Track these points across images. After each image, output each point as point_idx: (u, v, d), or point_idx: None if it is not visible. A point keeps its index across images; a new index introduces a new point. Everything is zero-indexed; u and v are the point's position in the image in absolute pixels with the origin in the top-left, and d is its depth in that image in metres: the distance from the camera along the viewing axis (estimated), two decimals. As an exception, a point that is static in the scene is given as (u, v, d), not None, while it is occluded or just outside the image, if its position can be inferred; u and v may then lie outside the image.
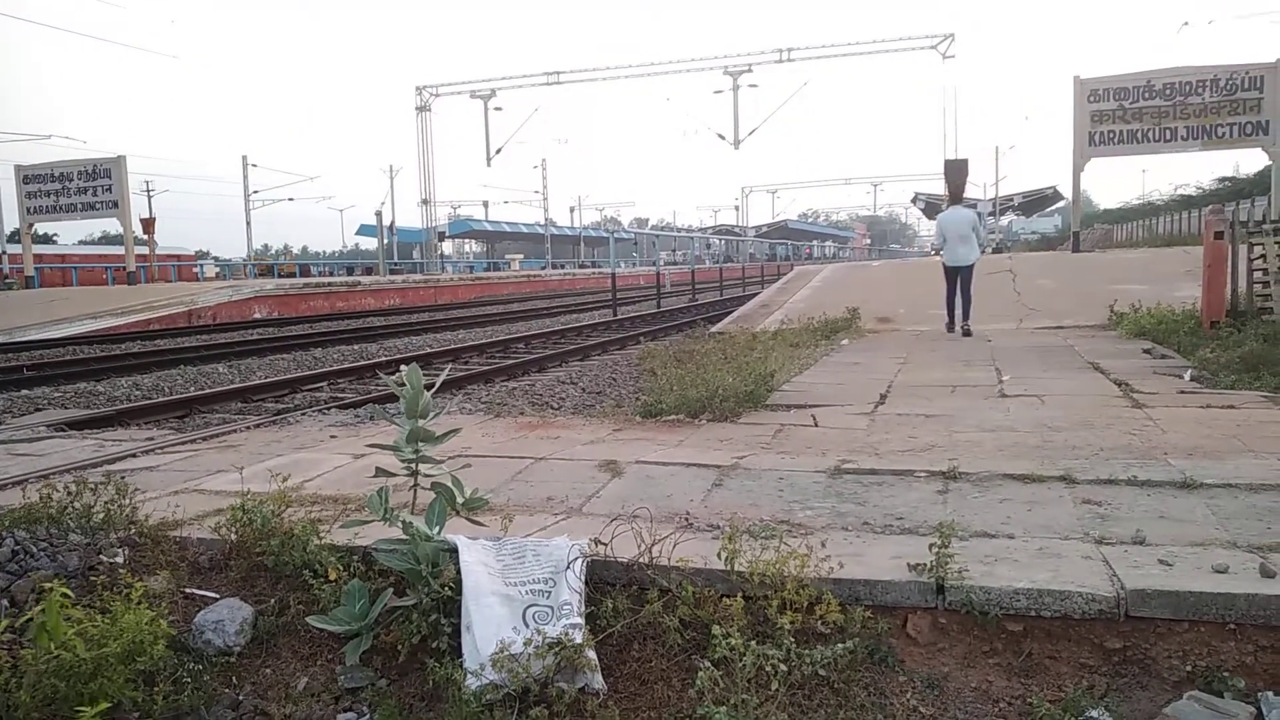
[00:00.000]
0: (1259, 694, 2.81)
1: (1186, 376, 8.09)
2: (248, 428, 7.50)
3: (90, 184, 31.47)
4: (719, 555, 3.35)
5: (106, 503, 4.15)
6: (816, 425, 6.42)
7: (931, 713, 2.95)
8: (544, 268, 65.22)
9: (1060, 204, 67.01)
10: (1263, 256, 10.59)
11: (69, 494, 4.17)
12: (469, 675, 3.07)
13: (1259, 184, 32.97)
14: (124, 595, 3.29)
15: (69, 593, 3.24)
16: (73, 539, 3.97)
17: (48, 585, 3.28)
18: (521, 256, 76.38)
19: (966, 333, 12.96)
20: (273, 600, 3.64)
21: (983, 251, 13.38)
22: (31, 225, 33.65)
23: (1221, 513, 3.94)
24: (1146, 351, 10.05)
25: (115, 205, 31.65)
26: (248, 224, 59.17)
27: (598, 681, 3.10)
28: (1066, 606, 3.06)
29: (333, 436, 6.79)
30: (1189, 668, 2.95)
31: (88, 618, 3.20)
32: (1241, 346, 8.70)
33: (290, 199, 65.00)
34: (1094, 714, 2.81)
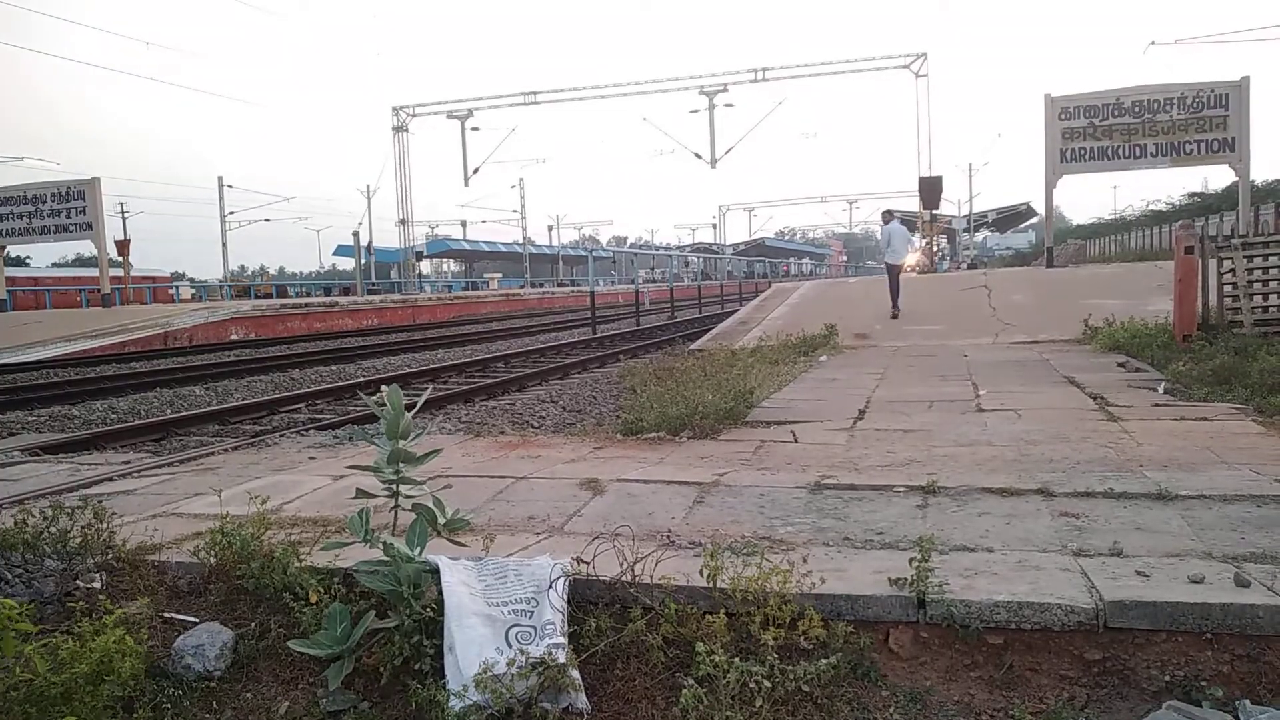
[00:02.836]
0: (1236, 702, 2.84)
1: (1160, 389, 8.20)
2: (225, 450, 7.44)
3: (64, 206, 31.17)
4: (701, 572, 3.35)
5: (83, 527, 4.10)
6: (796, 441, 6.44)
7: (914, 727, 2.96)
8: (522, 287, 65.19)
9: (1034, 220, 67.78)
10: (1232, 271, 10.75)
11: (45, 519, 4.12)
12: (452, 697, 3.05)
13: (1227, 199, 33.51)
14: (100, 620, 3.26)
15: (9, 602, 3.20)
16: (49, 564, 3.93)
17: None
18: (500, 276, 76.34)
19: (895, 314, 16.89)
20: (253, 624, 3.61)
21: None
22: (3, 248, 33.25)
23: (1197, 524, 3.99)
24: (1121, 365, 10.17)
25: (89, 227, 31.34)
26: (224, 245, 58.76)
27: (581, 701, 3.10)
28: (1046, 619, 3.09)
29: (311, 458, 6.75)
30: (1167, 677, 2.98)
31: (61, 642, 3.16)
32: (1213, 360, 8.83)
33: (267, 220, 64.60)
34: (1075, 725, 2.83)
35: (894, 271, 17.67)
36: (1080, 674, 3.05)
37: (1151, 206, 52.75)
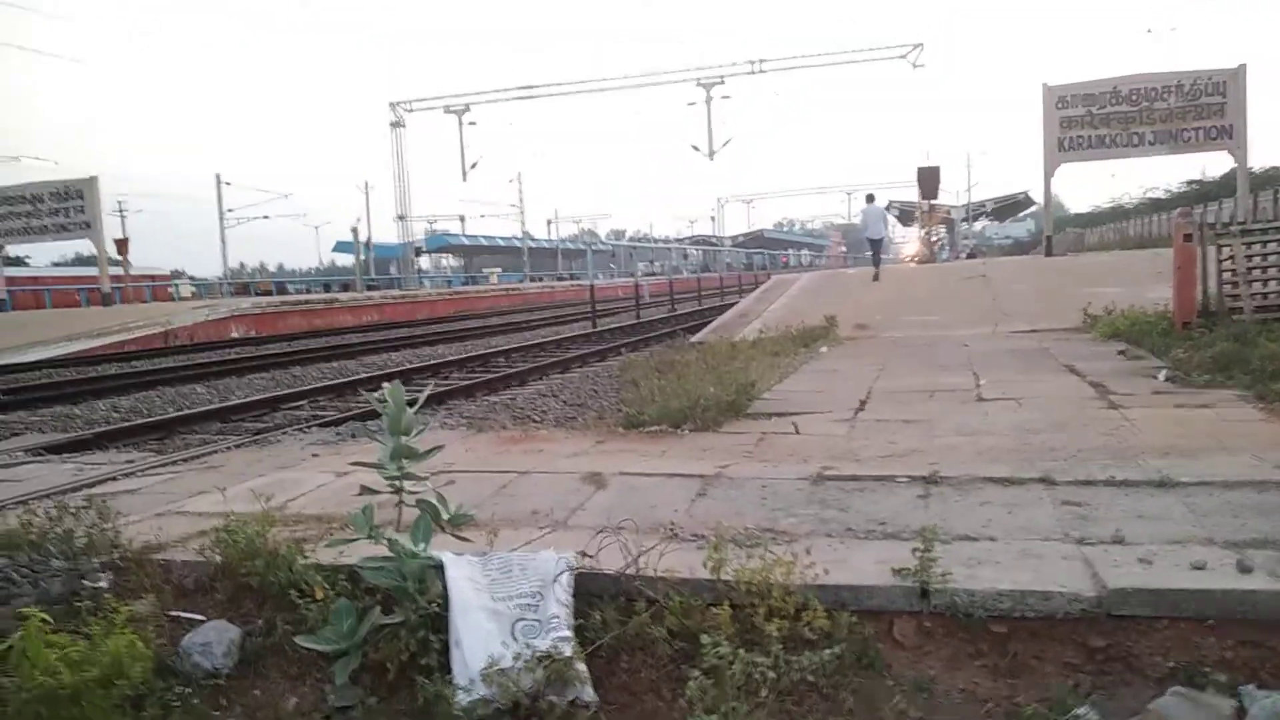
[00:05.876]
0: (1240, 688, 2.85)
1: (1161, 377, 8.20)
2: (228, 448, 7.46)
3: (62, 205, 31.13)
4: (705, 564, 3.37)
5: (89, 527, 4.12)
6: (798, 433, 6.45)
7: (920, 715, 2.97)
8: (522, 281, 65.16)
9: (1032, 209, 67.62)
10: (1231, 258, 10.75)
11: (50, 519, 4.14)
12: (459, 691, 3.07)
13: (1225, 186, 33.48)
14: (107, 620, 3.27)
15: (48, 618, 3.22)
16: (55, 564, 3.93)
17: (29, 613, 3.25)
18: (500, 270, 76.25)
19: (876, 277, 20.78)
20: (260, 621, 3.63)
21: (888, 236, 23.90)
22: (2, 247, 33.30)
23: (1198, 510, 4.00)
24: (1121, 353, 10.17)
25: (88, 226, 31.32)
26: (223, 243, 58.88)
27: (588, 694, 3.11)
28: (1049, 606, 3.10)
29: (314, 455, 6.76)
30: (1171, 664, 2.99)
31: (70, 643, 3.18)
32: (1213, 346, 8.82)
33: (265, 217, 64.51)
34: (1080, 712, 2.84)
35: (872, 245, 22.75)
36: (1084, 661, 3.06)
37: (1149, 194, 52.72)
